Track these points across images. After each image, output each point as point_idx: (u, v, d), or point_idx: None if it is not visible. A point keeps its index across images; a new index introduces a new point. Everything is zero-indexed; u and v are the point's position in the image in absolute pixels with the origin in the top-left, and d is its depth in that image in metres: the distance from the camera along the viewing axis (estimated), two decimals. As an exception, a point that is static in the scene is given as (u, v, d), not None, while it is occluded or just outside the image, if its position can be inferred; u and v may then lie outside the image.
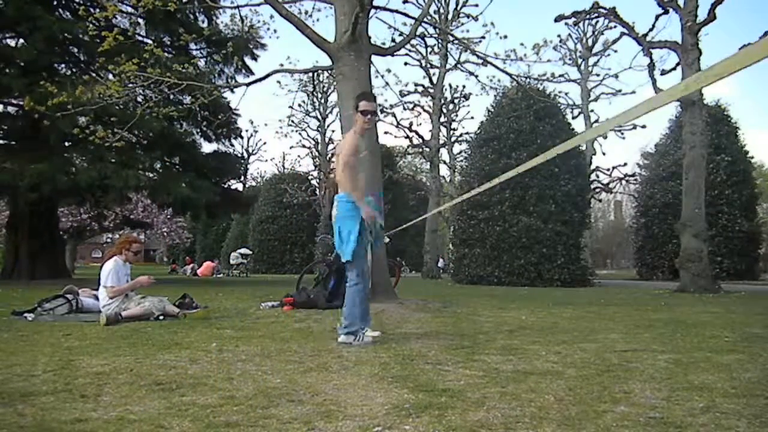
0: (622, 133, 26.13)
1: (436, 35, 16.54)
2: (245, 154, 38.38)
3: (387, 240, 4.76)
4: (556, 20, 13.79)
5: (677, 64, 12.02)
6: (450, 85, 27.58)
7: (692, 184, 11.67)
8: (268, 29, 15.49)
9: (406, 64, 21.70)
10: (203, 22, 15.55)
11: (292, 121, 31.67)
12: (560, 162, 16.17)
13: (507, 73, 10.69)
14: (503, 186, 16.30)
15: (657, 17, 12.59)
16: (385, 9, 9.03)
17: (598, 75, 26.86)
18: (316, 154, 32.63)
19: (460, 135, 26.83)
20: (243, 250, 26.07)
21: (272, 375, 2.98)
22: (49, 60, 13.15)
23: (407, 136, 22.97)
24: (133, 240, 5.99)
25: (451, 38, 16.19)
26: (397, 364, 3.27)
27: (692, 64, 11.49)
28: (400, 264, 16.18)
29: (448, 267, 26.36)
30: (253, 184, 40.52)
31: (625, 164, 28.02)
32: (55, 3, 14.28)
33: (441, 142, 24.17)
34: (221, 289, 10.86)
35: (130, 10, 12.61)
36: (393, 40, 11.26)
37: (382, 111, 21.90)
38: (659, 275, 21.61)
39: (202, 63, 15.23)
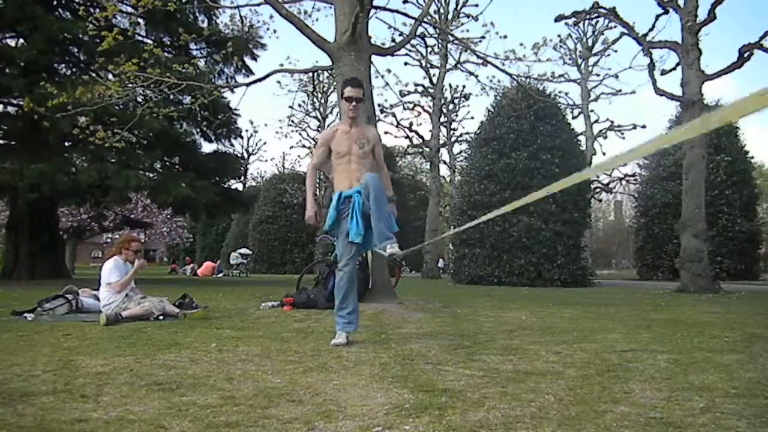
0: (622, 133, 26.15)
1: (436, 35, 16.54)
2: (245, 154, 38.38)
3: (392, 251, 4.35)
4: (556, 20, 13.79)
5: (677, 64, 12.02)
6: (450, 85, 27.64)
7: (692, 184, 11.67)
8: (268, 29, 15.55)
9: (406, 64, 21.71)
10: (203, 22, 15.56)
11: (292, 121, 31.70)
12: (560, 162, 16.17)
13: (507, 73, 10.71)
14: (503, 186, 16.32)
15: (657, 17, 12.60)
16: (385, 9, 9.04)
17: (598, 75, 26.89)
18: (316, 154, 32.57)
19: (460, 135, 26.86)
20: (243, 250, 26.06)
21: (272, 375, 2.98)
22: (48, 60, 13.15)
23: (407, 136, 22.98)
24: (132, 239, 5.98)
25: (451, 38, 16.20)
26: (397, 364, 3.27)
27: (692, 64, 11.50)
28: (400, 264, 16.14)
29: (448, 267, 26.36)
30: (253, 184, 40.51)
31: (626, 164, 28.00)
32: (54, 3, 14.28)
33: (441, 142, 24.19)
34: (221, 289, 10.86)
35: (129, 10, 12.60)
36: (393, 40, 11.28)
37: (382, 111, 21.90)
38: (659, 275, 21.62)
39: (202, 63, 15.23)
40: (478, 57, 11.56)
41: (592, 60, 26.56)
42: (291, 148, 50.13)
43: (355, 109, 4.12)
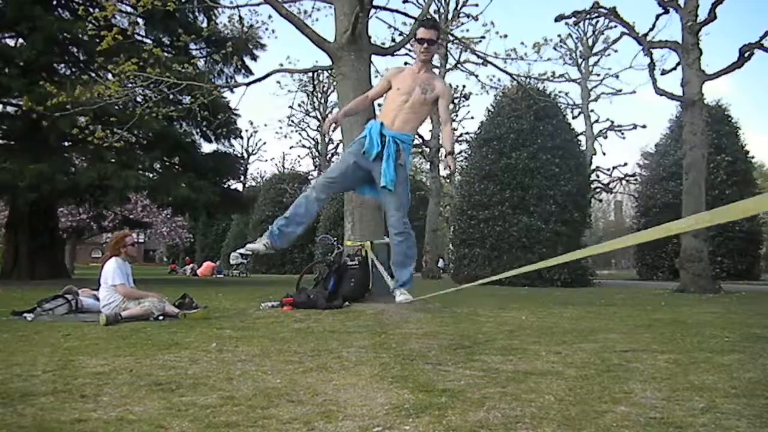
0: (623, 133, 26.16)
1: (436, 35, 16.47)
2: (245, 154, 38.38)
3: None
4: (556, 20, 13.79)
5: (677, 64, 12.02)
6: (450, 85, 27.60)
7: (692, 184, 11.67)
8: (267, 29, 15.53)
9: (406, 63, 21.62)
10: (203, 21, 15.55)
11: (292, 121, 31.72)
12: (561, 162, 16.17)
13: (507, 73, 10.73)
14: (503, 186, 16.30)
15: (657, 17, 12.60)
16: (385, 9, 9.06)
17: (598, 75, 26.85)
18: (316, 154, 32.64)
19: (460, 135, 26.83)
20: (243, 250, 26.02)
21: (272, 375, 2.97)
22: (48, 60, 13.14)
23: (407, 136, 22.90)
24: (124, 235, 5.97)
25: (451, 38, 16.19)
26: (397, 364, 3.27)
27: (692, 63, 11.49)
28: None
29: (448, 267, 26.36)
30: (253, 184, 40.49)
31: (626, 164, 28.10)
32: (54, 3, 14.27)
33: (441, 141, 24.19)
34: (221, 289, 10.85)
35: (129, 9, 12.59)
36: (393, 40, 11.27)
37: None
38: (659, 275, 21.60)
39: (201, 63, 15.22)
40: (478, 57, 11.56)
41: (592, 60, 26.53)
42: (291, 148, 50.27)
43: (428, 52, 3.74)
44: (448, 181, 23.87)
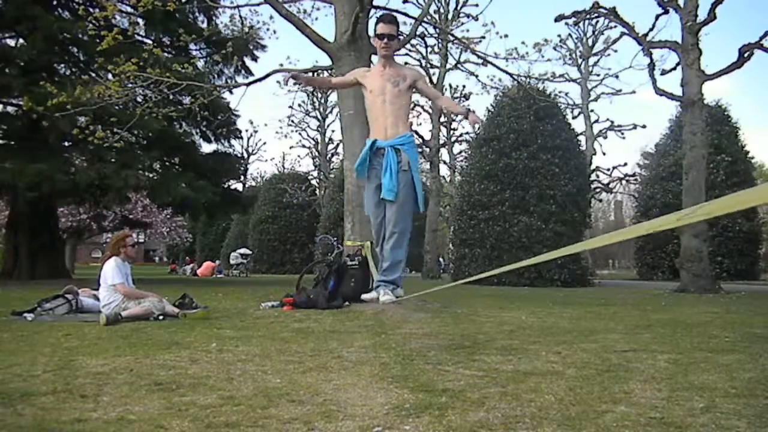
0: (623, 133, 26.15)
1: (436, 35, 16.53)
2: (245, 154, 38.32)
3: None
4: (556, 20, 13.78)
5: (677, 64, 12.02)
6: (450, 85, 27.66)
7: (692, 184, 11.66)
8: (268, 29, 15.49)
9: (406, 63, 21.63)
10: (203, 22, 15.55)
11: (292, 121, 31.70)
12: (561, 162, 16.17)
13: (507, 73, 10.76)
14: (503, 186, 16.31)
15: (657, 17, 12.59)
16: (385, 9, 9.03)
17: (598, 75, 26.80)
18: (316, 154, 32.65)
19: (460, 135, 26.85)
20: (243, 250, 26.04)
21: (272, 375, 2.97)
22: (48, 60, 13.15)
23: (407, 136, 22.89)
24: (125, 235, 5.98)
25: (451, 38, 16.20)
26: (397, 364, 3.27)
27: (692, 64, 11.49)
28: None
29: (448, 267, 26.35)
30: (253, 184, 40.47)
31: (626, 164, 28.09)
32: (54, 3, 14.28)
33: (441, 142, 24.17)
34: (221, 289, 10.85)
35: (129, 9, 12.60)
36: (393, 40, 11.26)
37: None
38: (659, 275, 21.59)
39: (201, 63, 15.23)
40: (479, 57, 11.57)
41: (592, 60, 26.49)
42: (291, 148, 50.23)
43: (388, 47, 3.79)
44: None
